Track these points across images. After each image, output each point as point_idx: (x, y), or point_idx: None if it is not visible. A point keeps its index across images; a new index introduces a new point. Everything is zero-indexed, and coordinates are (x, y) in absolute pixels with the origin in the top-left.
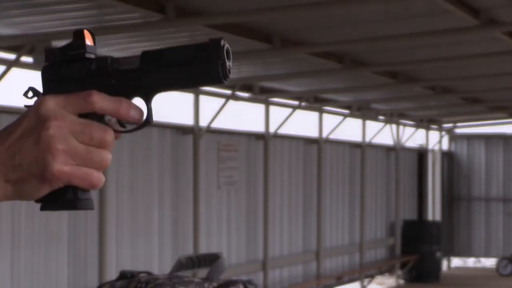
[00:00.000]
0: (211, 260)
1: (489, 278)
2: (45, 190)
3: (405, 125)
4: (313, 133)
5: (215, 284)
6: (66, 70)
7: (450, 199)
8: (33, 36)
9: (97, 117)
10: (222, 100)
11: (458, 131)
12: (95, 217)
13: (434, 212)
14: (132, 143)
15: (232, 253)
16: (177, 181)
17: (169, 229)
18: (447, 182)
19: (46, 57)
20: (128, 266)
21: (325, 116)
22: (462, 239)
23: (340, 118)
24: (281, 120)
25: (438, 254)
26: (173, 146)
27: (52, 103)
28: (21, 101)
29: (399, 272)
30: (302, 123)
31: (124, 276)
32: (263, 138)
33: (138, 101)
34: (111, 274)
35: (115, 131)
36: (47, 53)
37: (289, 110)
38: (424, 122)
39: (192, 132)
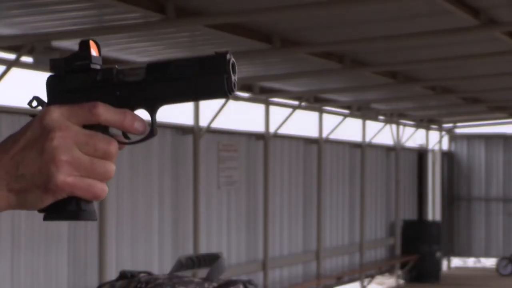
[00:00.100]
0: (211, 260)
1: (489, 278)
2: (48, 201)
3: (405, 125)
4: (313, 133)
5: (215, 284)
6: (71, 80)
7: (450, 199)
8: (33, 36)
9: (102, 128)
10: (222, 100)
11: (458, 131)
12: None
13: (434, 212)
14: None
15: (232, 253)
16: (177, 181)
17: (169, 229)
18: (447, 182)
19: (51, 67)
20: (128, 266)
21: (325, 116)
22: (462, 239)
23: (340, 118)
24: (281, 120)
25: (438, 254)
26: (173, 146)
27: (57, 113)
28: (20, 101)
29: (399, 272)
30: (302, 123)
31: (124, 276)
32: (263, 138)
33: (142, 113)
34: (111, 274)
35: (119, 142)
36: (52, 63)
37: (289, 110)
38: (424, 122)
39: (192, 132)
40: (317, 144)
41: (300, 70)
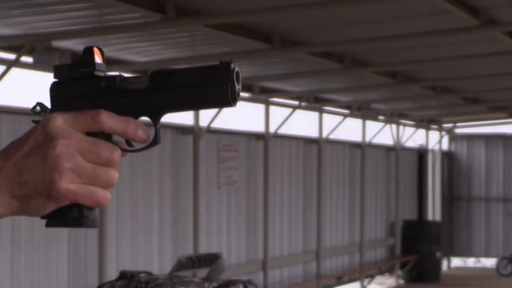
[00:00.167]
0: (211, 260)
1: (489, 278)
2: (51, 208)
3: (405, 125)
4: (313, 133)
5: (215, 284)
6: (75, 87)
7: (450, 199)
8: (33, 36)
9: (105, 135)
10: None
11: (458, 131)
12: None
13: (434, 212)
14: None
15: (232, 253)
16: (177, 181)
17: (169, 229)
18: (447, 182)
19: (55, 74)
20: (128, 266)
21: (325, 116)
22: (462, 239)
23: (340, 118)
24: (281, 120)
25: (438, 254)
26: (173, 146)
27: (60, 120)
28: (20, 101)
29: (399, 272)
30: (302, 123)
31: (124, 276)
32: (263, 138)
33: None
34: (111, 274)
35: (122, 149)
36: (56, 69)
37: (289, 110)
38: (424, 122)
39: (192, 132)
40: (317, 144)
41: (300, 70)
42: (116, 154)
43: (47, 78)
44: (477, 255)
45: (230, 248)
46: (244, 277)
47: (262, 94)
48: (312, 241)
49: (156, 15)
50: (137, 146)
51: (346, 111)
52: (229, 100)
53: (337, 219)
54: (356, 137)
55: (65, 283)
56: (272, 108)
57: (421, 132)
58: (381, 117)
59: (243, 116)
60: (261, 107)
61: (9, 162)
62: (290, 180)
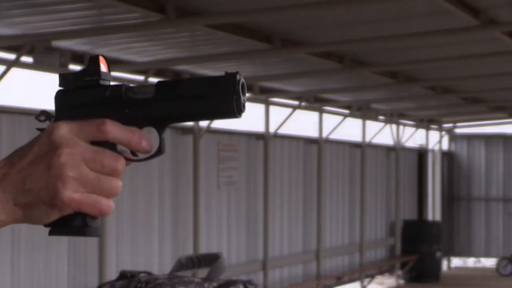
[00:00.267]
0: (211, 260)
1: (489, 278)
2: (54, 216)
3: (405, 125)
4: (313, 133)
5: (215, 284)
6: (80, 96)
7: (450, 199)
8: (33, 36)
9: (109, 145)
10: None
11: (458, 131)
12: None
13: (434, 212)
14: None
15: (232, 253)
16: (177, 181)
17: (169, 229)
18: (447, 182)
19: (60, 82)
20: (128, 266)
21: (325, 116)
22: (462, 239)
23: (340, 118)
24: (281, 120)
25: (438, 254)
26: (173, 146)
27: (65, 129)
28: (20, 101)
29: (399, 272)
30: (302, 123)
31: (124, 276)
32: (263, 138)
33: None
34: (111, 274)
35: (127, 159)
36: (61, 77)
37: (289, 110)
38: (424, 122)
39: (192, 132)
40: (317, 144)
41: (300, 70)
42: (120, 163)
43: (47, 78)
44: (477, 255)
45: (230, 248)
46: (244, 277)
47: (262, 94)
48: (312, 241)
49: (156, 15)
50: (141, 155)
51: (346, 111)
52: (234, 111)
53: (337, 219)
54: (356, 137)
55: (65, 283)
56: (272, 108)
57: (421, 132)
58: (381, 117)
59: (243, 116)
60: (261, 107)
61: (13, 170)
62: (290, 180)
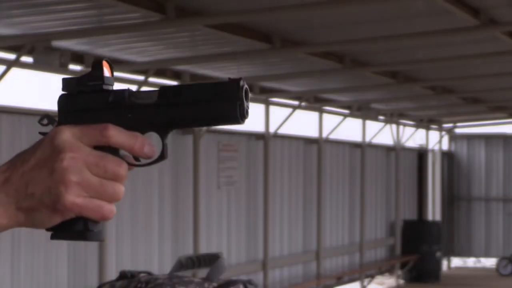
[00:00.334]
0: (211, 260)
1: (489, 278)
2: (56, 220)
3: (405, 125)
4: (313, 133)
5: (215, 284)
6: (83, 100)
7: (450, 199)
8: (33, 36)
9: (112, 150)
10: None
11: (458, 131)
12: None
13: (434, 212)
14: None
15: (232, 253)
16: (177, 181)
17: (169, 229)
18: (447, 182)
19: (63, 86)
20: (128, 266)
21: (325, 116)
22: (462, 239)
23: (340, 118)
24: (281, 120)
25: (438, 254)
26: (173, 146)
27: (68, 134)
28: (20, 101)
29: (399, 272)
30: (302, 123)
31: (124, 276)
32: (263, 138)
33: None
34: (111, 274)
35: (129, 164)
36: (64, 82)
37: (289, 110)
38: (424, 122)
39: (192, 132)
40: (317, 144)
41: (300, 70)
42: (123, 168)
43: (47, 78)
44: (477, 255)
45: (230, 248)
46: (244, 277)
47: (262, 94)
48: (312, 241)
49: (156, 15)
50: (143, 160)
51: (346, 111)
52: (237, 117)
53: (337, 219)
54: (356, 137)
55: (65, 283)
56: (272, 108)
57: (421, 132)
58: (381, 117)
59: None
60: (261, 107)
61: (16, 174)
62: (290, 180)
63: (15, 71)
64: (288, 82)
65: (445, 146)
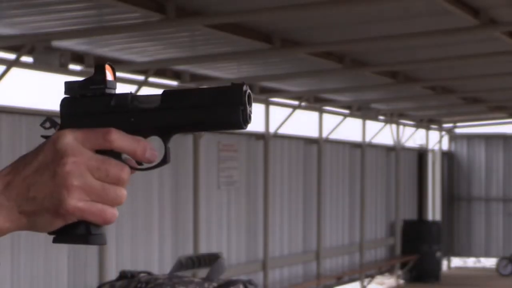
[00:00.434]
0: (211, 260)
1: (489, 278)
2: (58, 224)
3: (405, 125)
4: (313, 133)
5: (215, 284)
6: (86, 104)
7: (450, 199)
8: (33, 36)
9: (114, 154)
10: None
11: (458, 131)
12: None
13: (434, 212)
14: None
15: (232, 253)
16: (177, 181)
17: (169, 229)
18: (447, 182)
19: (65, 90)
20: (128, 266)
21: (325, 116)
22: (462, 239)
23: (340, 118)
24: (281, 120)
25: (438, 254)
26: (173, 146)
27: (70, 138)
28: (20, 101)
29: (399, 272)
30: (302, 123)
31: (124, 276)
32: (263, 138)
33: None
34: (111, 274)
35: (131, 168)
36: (67, 85)
37: (289, 110)
38: (424, 122)
39: None
40: (317, 144)
41: (300, 70)
42: (125, 172)
43: (47, 78)
44: (477, 255)
45: (230, 248)
46: (244, 277)
47: (262, 94)
48: (312, 241)
49: (156, 15)
50: (146, 164)
51: (346, 111)
52: (240, 122)
53: (337, 219)
54: (356, 137)
55: (65, 283)
56: (272, 108)
57: (421, 132)
58: (381, 117)
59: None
60: (261, 107)
61: (18, 178)
62: (290, 180)
63: (15, 71)
64: (288, 82)
65: (445, 146)
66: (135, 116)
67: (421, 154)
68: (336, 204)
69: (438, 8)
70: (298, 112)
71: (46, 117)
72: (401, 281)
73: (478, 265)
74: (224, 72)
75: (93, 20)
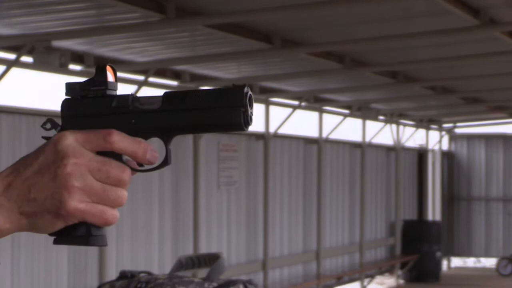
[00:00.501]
0: (211, 260)
1: (489, 278)
2: (59, 226)
3: (405, 125)
4: (313, 133)
5: (215, 284)
6: (86, 105)
7: (450, 199)
8: (33, 36)
9: (115, 155)
10: None
11: (458, 131)
12: None
13: (434, 212)
14: None
15: (232, 253)
16: (177, 181)
17: (169, 229)
18: (447, 182)
19: (66, 91)
20: (128, 266)
21: (325, 116)
22: (462, 239)
23: (340, 118)
24: (281, 120)
25: (438, 254)
26: (173, 146)
27: (71, 139)
28: (20, 101)
29: (399, 272)
30: (302, 123)
31: (124, 276)
32: (263, 138)
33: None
34: (111, 274)
35: (132, 169)
36: (68, 86)
37: (289, 110)
38: (424, 122)
39: None
40: (317, 144)
41: (300, 70)
42: (126, 174)
43: (47, 78)
44: (477, 255)
45: (230, 248)
46: (244, 277)
47: (262, 94)
48: (312, 241)
49: (156, 15)
50: (147, 166)
51: (346, 111)
52: (241, 124)
53: (337, 219)
54: (356, 137)
55: (65, 283)
56: (272, 108)
57: (421, 132)
58: (381, 117)
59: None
60: (261, 107)
61: (19, 179)
62: (290, 180)
63: (15, 71)
64: (288, 82)
65: (445, 146)
66: (136, 117)
67: (421, 154)
68: (336, 204)
69: (438, 8)
70: (298, 112)
71: (47, 118)
72: (401, 281)
73: (478, 265)
74: (224, 72)
75: (93, 20)
